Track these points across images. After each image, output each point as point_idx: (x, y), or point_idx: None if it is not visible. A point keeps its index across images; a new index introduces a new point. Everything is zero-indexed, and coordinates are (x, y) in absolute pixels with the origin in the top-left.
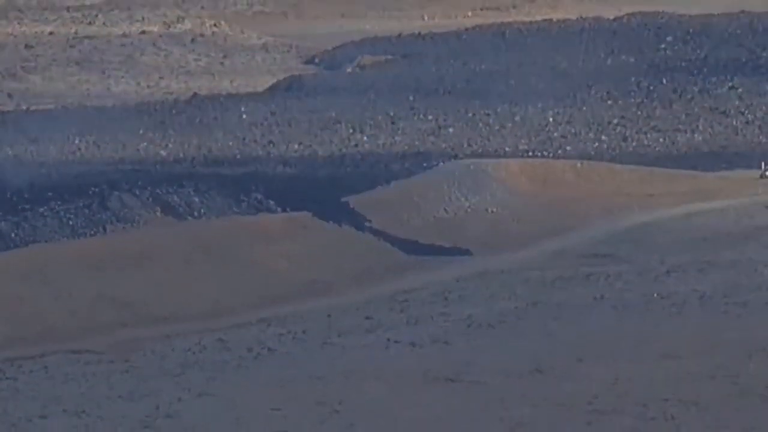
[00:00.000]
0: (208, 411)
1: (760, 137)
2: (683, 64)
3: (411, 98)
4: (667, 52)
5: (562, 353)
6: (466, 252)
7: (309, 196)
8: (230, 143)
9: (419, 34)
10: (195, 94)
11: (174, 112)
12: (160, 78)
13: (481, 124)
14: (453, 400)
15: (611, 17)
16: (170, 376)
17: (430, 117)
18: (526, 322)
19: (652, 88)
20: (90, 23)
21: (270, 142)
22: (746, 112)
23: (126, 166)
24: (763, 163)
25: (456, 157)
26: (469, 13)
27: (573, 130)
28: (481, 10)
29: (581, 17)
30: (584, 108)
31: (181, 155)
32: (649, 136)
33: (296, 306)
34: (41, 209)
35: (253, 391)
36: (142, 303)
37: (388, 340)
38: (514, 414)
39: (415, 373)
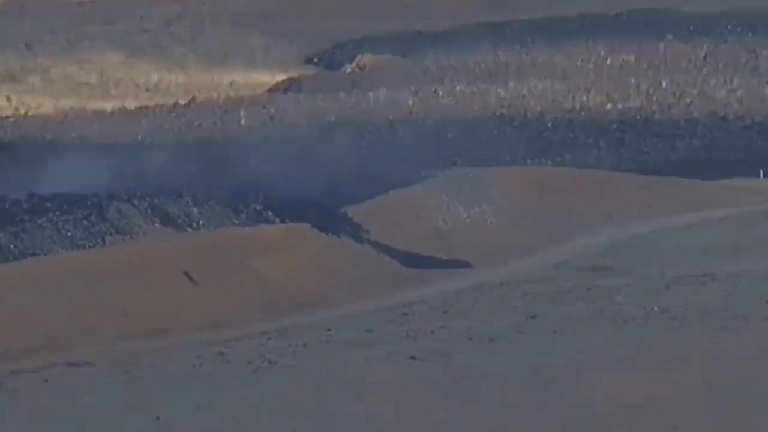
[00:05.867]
0: (207, 423)
1: (759, 142)
2: (683, 64)
3: (410, 103)
4: (667, 50)
5: (561, 368)
6: (466, 264)
7: (308, 205)
8: (229, 149)
9: (419, 32)
10: (194, 97)
11: (173, 116)
12: (160, 80)
13: (480, 129)
14: (453, 412)
15: (612, 14)
16: (170, 388)
17: (429, 122)
18: (526, 335)
19: (651, 91)
20: (90, 20)
21: (269, 146)
22: (745, 116)
23: (125, 174)
24: (761, 171)
25: (455, 164)
26: (469, 12)
27: (571, 135)
28: (482, 6)
29: (582, 14)
30: (583, 113)
31: (181, 162)
32: (647, 142)
33: (296, 319)
34: (40, 220)
35: (253, 403)
36: (141, 315)
37: (389, 353)
38: (514, 427)
39: (415, 386)
